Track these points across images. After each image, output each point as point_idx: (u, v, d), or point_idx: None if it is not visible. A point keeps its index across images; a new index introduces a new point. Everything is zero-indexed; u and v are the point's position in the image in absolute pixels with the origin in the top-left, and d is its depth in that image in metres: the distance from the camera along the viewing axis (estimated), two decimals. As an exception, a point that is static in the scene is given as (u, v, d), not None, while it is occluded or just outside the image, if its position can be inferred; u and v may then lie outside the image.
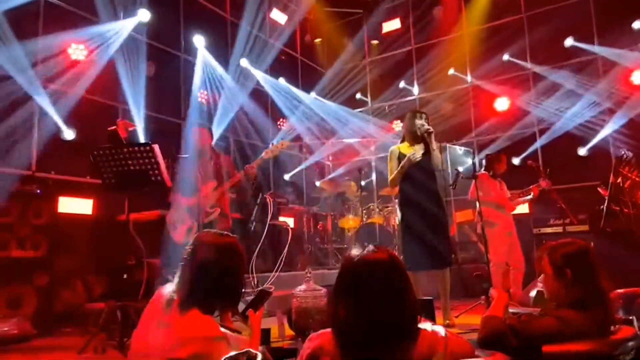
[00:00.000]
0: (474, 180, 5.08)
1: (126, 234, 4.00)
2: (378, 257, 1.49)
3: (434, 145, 4.32)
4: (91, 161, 3.74)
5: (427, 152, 4.39)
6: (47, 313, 4.51)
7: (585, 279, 2.02)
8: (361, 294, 1.44)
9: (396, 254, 1.59)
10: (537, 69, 8.46)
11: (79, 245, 5.16)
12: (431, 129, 4.33)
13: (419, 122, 4.39)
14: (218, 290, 1.85)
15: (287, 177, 9.22)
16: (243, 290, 2.02)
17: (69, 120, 5.50)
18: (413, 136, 4.45)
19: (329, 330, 1.54)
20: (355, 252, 1.54)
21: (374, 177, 9.37)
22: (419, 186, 4.37)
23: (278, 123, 9.35)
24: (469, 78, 9.22)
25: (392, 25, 10.32)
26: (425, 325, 1.50)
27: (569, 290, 2.03)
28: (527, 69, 8.60)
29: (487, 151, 8.08)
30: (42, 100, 5.26)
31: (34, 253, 4.57)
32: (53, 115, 5.36)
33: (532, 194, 5.98)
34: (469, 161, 8.56)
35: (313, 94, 9.94)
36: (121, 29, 6.18)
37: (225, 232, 2.02)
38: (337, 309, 1.48)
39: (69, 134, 5.51)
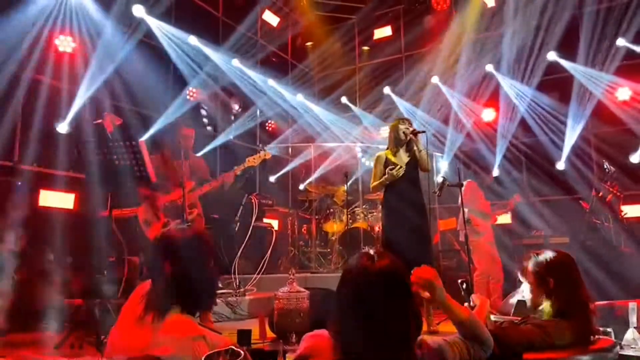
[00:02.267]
0: (459, 189, 5.12)
1: (108, 230, 3.94)
2: (382, 266, 1.47)
3: (421, 146, 4.37)
4: (75, 154, 3.69)
5: (413, 158, 4.43)
6: (24, 308, 4.42)
7: (567, 288, 2.04)
8: (366, 303, 1.42)
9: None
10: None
11: (58, 239, 5.08)
12: (418, 130, 4.41)
13: (402, 127, 4.45)
14: (190, 288, 1.81)
15: (272, 179, 9.20)
16: (217, 283, 1.99)
17: (56, 113, 5.42)
18: (397, 142, 4.49)
19: (323, 331, 1.53)
20: (358, 259, 1.52)
21: (360, 181, 9.39)
22: (403, 195, 4.39)
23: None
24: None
25: (384, 32, 10.40)
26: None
27: (551, 299, 2.05)
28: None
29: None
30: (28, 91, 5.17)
31: (13, 247, 4.48)
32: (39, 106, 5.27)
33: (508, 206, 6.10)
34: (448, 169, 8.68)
35: (300, 96, 9.95)
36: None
37: (189, 226, 1.99)
38: (342, 317, 1.47)
39: (57, 127, 5.43)
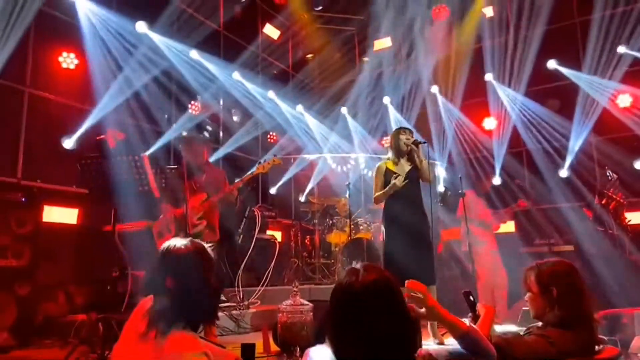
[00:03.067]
0: (461, 199, 5.12)
1: (111, 244, 3.95)
2: (371, 280, 1.45)
3: (422, 156, 4.37)
4: (78, 170, 3.71)
5: (414, 168, 4.43)
6: (28, 324, 4.41)
7: (571, 298, 2.02)
8: (358, 318, 1.41)
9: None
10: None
11: (62, 255, 5.09)
12: (419, 140, 4.41)
13: (403, 137, 4.46)
14: (191, 303, 1.80)
15: (273, 190, 9.22)
16: (219, 296, 1.97)
17: (58, 128, 5.46)
18: (399, 152, 4.50)
19: (325, 347, 1.52)
20: (346, 275, 1.50)
21: (362, 191, 9.39)
22: (405, 203, 4.39)
23: (268, 136, 9.34)
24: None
25: (384, 43, 10.47)
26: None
27: (555, 309, 2.03)
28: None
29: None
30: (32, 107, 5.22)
31: (16, 262, 4.49)
32: (42, 122, 5.32)
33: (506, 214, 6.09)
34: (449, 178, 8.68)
35: (300, 107, 10.02)
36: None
37: (190, 240, 1.95)
38: (335, 333, 1.46)
39: (61, 143, 5.46)
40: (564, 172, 7.95)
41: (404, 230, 4.30)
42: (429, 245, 4.37)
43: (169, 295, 1.79)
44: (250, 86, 8.65)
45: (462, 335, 1.76)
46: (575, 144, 7.84)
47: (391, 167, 4.49)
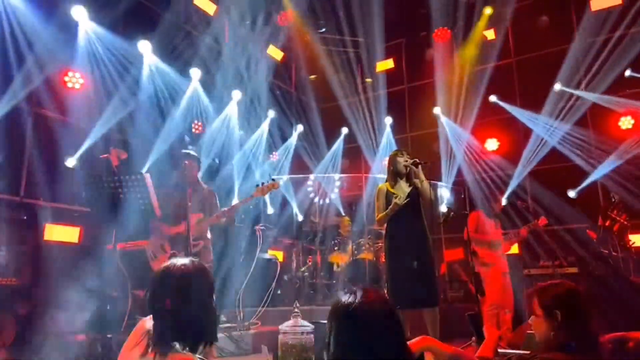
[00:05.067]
0: (469, 218, 5.08)
1: (112, 263, 3.93)
2: (369, 301, 1.45)
3: (422, 176, 4.36)
4: (81, 189, 3.72)
5: (414, 189, 4.41)
6: (27, 342, 4.37)
7: (575, 321, 1.99)
8: (355, 340, 1.41)
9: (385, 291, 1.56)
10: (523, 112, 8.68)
11: (62, 273, 5.07)
12: (419, 161, 4.38)
13: (401, 159, 4.46)
14: (190, 324, 1.78)
15: (274, 210, 9.22)
16: (214, 319, 1.94)
17: (61, 147, 5.49)
18: (397, 174, 4.49)
19: None
20: (343, 298, 1.50)
21: (364, 212, 9.37)
22: (405, 224, 4.36)
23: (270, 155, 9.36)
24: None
25: (386, 64, 10.58)
26: None
27: (559, 332, 2.00)
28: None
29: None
30: (35, 126, 5.27)
31: (16, 281, 4.47)
32: (46, 141, 5.36)
33: (520, 234, 6.00)
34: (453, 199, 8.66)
35: (300, 127, 10.09)
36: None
37: (191, 260, 1.93)
38: (333, 353, 1.45)
39: (63, 162, 5.50)
40: (572, 193, 7.93)
41: (405, 251, 4.27)
42: (431, 266, 4.33)
43: (168, 316, 1.77)
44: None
45: None
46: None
47: (390, 188, 4.49)
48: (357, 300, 1.45)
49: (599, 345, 2.02)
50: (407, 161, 4.42)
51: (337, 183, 9.64)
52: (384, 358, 1.38)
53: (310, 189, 9.63)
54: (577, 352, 1.94)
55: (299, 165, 10.10)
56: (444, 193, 8.73)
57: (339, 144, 10.35)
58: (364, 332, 1.41)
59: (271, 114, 9.32)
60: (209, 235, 4.63)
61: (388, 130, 10.11)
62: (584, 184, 7.81)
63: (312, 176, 9.53)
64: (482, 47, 9.27)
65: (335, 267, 7.78)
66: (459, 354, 1.87)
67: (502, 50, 9.08)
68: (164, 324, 1.76)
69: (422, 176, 4.37)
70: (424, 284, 4.16)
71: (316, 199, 9.54)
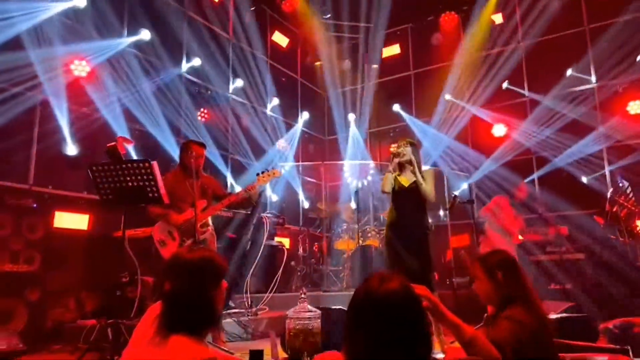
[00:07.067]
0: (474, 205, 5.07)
1: (121, 250, 3.95)
2: (392, 289, 1.45)
3: (419, 176, 4.27)
4: (89, 176, 3.74)
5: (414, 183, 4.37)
6: (38, 329, 4.45)
7: (514, 280, 2.23)
8: (377, 327, 1.41)
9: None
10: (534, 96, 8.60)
11: (72, 260, 5.13)
12: (404, 159, 4.29)
13: (393, 147, 4.41)
14: (188, 309, 1.80)
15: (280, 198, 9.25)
16: (220, 305, 1.95)
17: (69, 135, 5.52)
18: (400, 165, 4.41)
19: (335, 352, 1.52)
20: (366, 281, 1.50)
21: (370, 199, 9.38)
22: (404, 212, 4.33)
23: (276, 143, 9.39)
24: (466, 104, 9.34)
25: (392, 50, 10.50)
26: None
27: (500, 289, 2.22)
28: (524, 96, 8.73)
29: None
30: (43, 114, 5.29)
31: (27, 268, 4.53)
32: (54, 129, 5.38)
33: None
34: (463, 185, 8.63)
35: (306, 114, 10.06)
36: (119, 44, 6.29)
37: (201, 247, 1.96)
38: (351, 339, 1.45)
39: (71, 149, 5.53)
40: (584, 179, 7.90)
41: (402, 239, 4.26)
42: (426, 254, 4.29)
43: (170, 300, 1.80)
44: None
45: (467, 340, 1.85)
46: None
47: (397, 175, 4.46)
48: (380, 286, 1.45)
49: (537, 301, 2.20)
50: (398, 155, 4.33)
51: (343, 171, 9.64)
52: (402, 346, 1.39)
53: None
54: (523, 304, 2.13)
55: (305, 153, 10.11)
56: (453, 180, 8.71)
57: (350, 131, 10.30)
58: (383, 319, 1.41)
59: (275, 101, 9.32)
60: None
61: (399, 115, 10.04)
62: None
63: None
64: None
65: (341, 254, 7.82)
66: (459, 325, 1.87)
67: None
68: (166, 308, 1.79)
69: (419, 176, 4.28)
70: (419, 272, 4.12)
71: (323, 186, 9.57)
